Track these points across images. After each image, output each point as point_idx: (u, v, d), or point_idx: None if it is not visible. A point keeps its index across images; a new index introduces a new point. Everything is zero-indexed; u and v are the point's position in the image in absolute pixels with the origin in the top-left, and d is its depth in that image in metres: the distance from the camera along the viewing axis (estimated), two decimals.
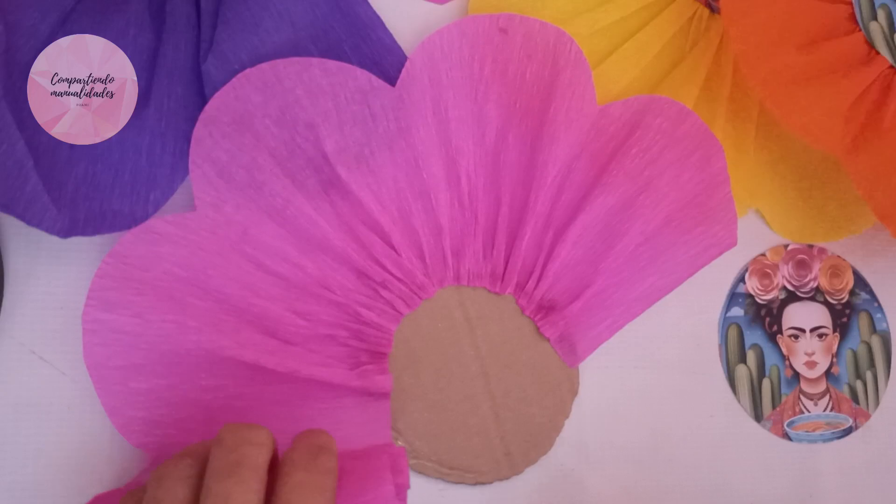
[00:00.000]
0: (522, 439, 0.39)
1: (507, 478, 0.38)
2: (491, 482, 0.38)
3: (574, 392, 0.40)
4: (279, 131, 0.37)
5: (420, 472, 0.38)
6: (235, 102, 0.37)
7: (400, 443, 0.38)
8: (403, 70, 0.38)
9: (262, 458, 0.28)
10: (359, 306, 0.38)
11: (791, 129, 0.40)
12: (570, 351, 0.40)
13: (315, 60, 0.37)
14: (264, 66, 0.37)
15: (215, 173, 0.37)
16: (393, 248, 0.38)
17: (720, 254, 0.40)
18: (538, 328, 0.40)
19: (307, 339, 0.37)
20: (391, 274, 0.38)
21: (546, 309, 0.40)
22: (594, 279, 0.39)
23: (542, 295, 0.39)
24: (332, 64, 0.37)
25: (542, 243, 0.39)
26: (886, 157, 0.40)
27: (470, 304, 0.39)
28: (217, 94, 0.37)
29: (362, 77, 0.38)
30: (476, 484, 0.38)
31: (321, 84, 0.37)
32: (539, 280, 0.39)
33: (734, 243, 0.40)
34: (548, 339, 0.40)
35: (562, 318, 0.39)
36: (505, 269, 0.39)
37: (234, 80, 0.37)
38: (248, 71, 0.37)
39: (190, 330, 0.35)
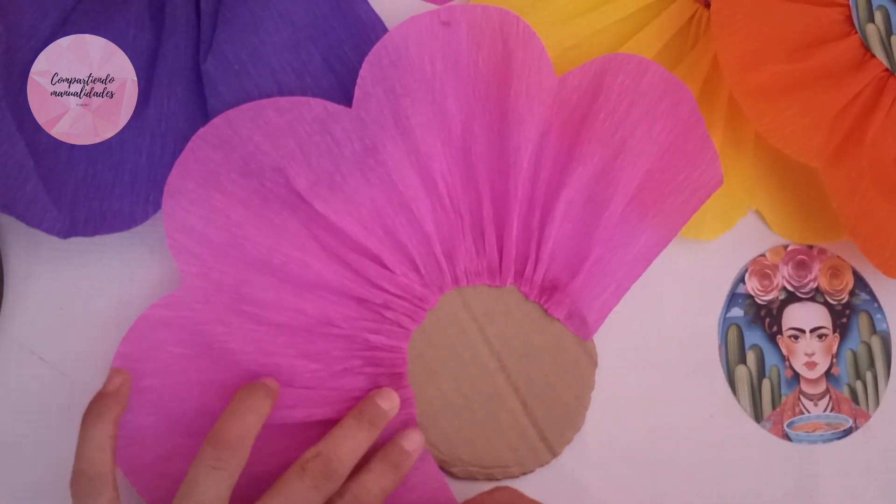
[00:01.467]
0: (555, 422, 0.39)
1: (547, 462, 0.39)
2: (533, 470, 0.39)
3: (594, 364, 0.40)
4: (247, 182, 0.37)
5: (468, 478, 0.38)
6: (196, 166, 0.37)
7: (436, 455, 0.38)
8: (356, 88, 0.38)
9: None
10: (366, 333, 0.38)
11: (772, 141, 0.40)
12: (582, 325, 0.40)
13: (266, 102, 0.37)
14: (216, 120, 0.37)
15: (194, 242, 0.37)
16: (386, 267, 0.38)
17: (709, 195, 0.40)
18: (546, 311, 0.40)
19: (324, 380, 0.37)
20: (390, 293, 0.38)
21: (549, 290, 0.40)
22: (589, 250, 0.39)
23: (542, 277, 0.39)
24: (284, 101, 0.37)
25: (531, 227, 0.39)
26: (864, 172, 0.40)
27: (474, 304, 0.39)
28: (177, 162, 0.37)
29: (318, 106, 0.37)
30: (521, 475, 0.39)
31: (278, 124, 0.37)
32: (536, 264, 0.39)
33: (720, 181, 0.40)
34: (557, 319, 0.40)
35: (566, 296, 0.39)
36: (500, 260, 0.39)
37: (189, 143, 0.37)
38: (201, 130, 0.37)
39: (211, 410, 0.35)
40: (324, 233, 0.38)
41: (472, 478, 0.38)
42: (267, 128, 0.37)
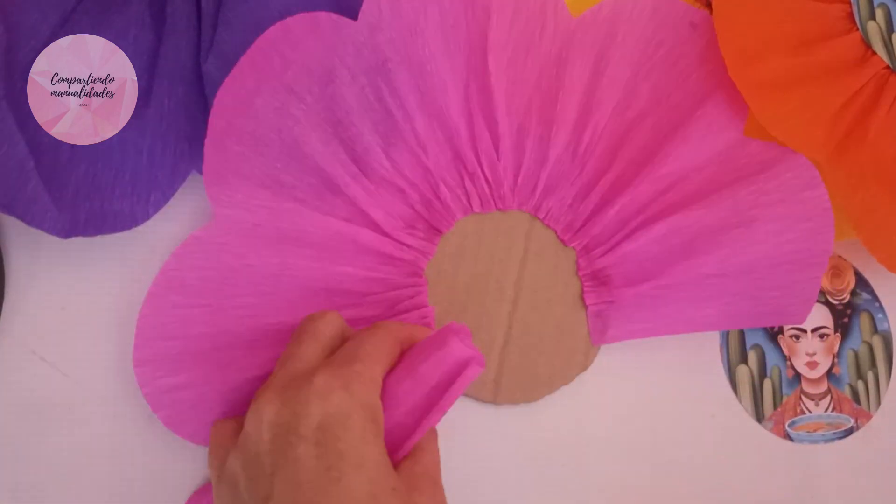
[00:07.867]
0: (516, 379, 0.39)
1: (487, 402, 0.39)
2: (474, 397, 0.39)
3: (583, 367, 0.40)
4: (359, 86, 0.38)
5: None
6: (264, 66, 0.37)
7: None
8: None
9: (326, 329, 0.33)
10: (441, 181, 0.39)
11: (774, 134, 0.40)
12: (601, 329, 0.39)
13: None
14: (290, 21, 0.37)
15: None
16: (497, 150, 0.39)
17: (782, 323, 0.40)
18: (583, 292, 0.40)
19: (384, 180, 0.38)
20: (482, 170, 0.39)
21: (600, 280, 0.40)
22: (656, 278, 0.39)
23: (602, 266, 0.39)
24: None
25: (627, 222, 0.39)
26: (867, 168, 0.40)
27: (535, 239, 0.40)
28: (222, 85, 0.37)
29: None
30: (467, 396, 0.39)
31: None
32: (607, 252, 0.39)
33: (802, 322, 0.40)
34: (586, 308, 0.40)
35: (609, 296, 0.39)
36: (583, 225, 0.40)
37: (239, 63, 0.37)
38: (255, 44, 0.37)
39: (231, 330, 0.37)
40: (478, 93, 0.39)
41: None
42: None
